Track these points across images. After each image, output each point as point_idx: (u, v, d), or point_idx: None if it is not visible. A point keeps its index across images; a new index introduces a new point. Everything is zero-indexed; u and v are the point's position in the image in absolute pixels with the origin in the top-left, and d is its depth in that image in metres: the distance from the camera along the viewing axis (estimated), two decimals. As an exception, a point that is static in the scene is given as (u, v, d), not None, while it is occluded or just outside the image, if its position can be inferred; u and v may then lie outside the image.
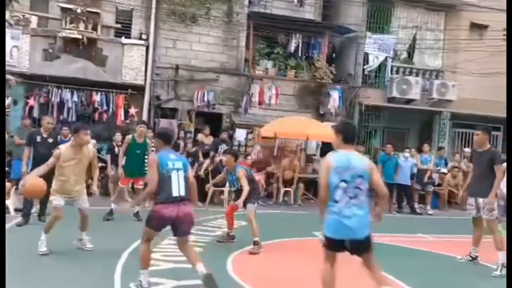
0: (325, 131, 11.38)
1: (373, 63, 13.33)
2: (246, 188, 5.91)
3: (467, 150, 12.68)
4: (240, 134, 11.80)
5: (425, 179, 10.86)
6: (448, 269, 5.87)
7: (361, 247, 3.57)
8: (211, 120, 12.07)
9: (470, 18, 13.94)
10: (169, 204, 4.04)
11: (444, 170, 11.41)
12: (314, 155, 12.53)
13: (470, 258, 6.00)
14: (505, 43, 13.43)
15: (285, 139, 11.72)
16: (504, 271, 5.27)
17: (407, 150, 10.76)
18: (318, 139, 11.83)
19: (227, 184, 7.93)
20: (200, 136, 11.05)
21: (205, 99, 11.84)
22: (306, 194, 11.25)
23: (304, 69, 13.10)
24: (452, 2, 13.78)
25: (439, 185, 11.41)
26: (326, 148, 11.23)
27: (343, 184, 3.46)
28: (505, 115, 14.13)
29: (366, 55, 13.32)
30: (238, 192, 6.23)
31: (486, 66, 12.96)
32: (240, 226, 7.14)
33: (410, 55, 14.30)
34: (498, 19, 13.76)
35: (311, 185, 11.63)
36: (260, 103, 12.24)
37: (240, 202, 5.90)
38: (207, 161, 9.94)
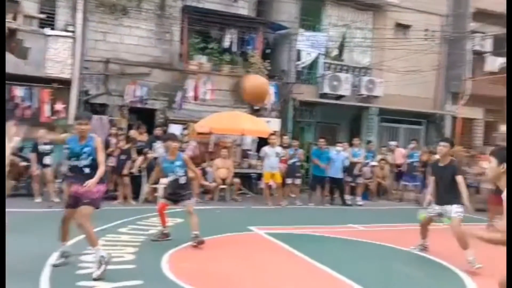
0: (261, 126, 11.54)
1: (306, 59, 13.68)
2: (197, 171, 6.20)
3: (393, 143, 13.44)
4: (175, 130, 11.56)
5: (356, 172, 11.34)
6: (378, 256, 6.19)
7: None
8: (144, 116, 11.73)
9: (395, 18, 14.74)
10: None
11: (373, 162, 11.99)
12: (250, 150, 12.62)
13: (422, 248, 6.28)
14: (426, 42, 14.43)
15: (221, 135, 11.68)
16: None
17: (339, 144, 11.16)
18: (254, 134, 11.91)
19: (160, 181, 7.72)
20: (133, 133, 10.70)
21: (138, 94, 11.47)
22: (241, 189, 11.31)
23: (239, 65, 13.12)
24: (378, 2, 14.47)
25: (368, 177, 11.97)
26: (262, 143, 11.38)
27: None
28: (427, 110, 15.21)
29: (299, 52, 13.62)
30: (175, 182, 6.11)
31: (410, 64, 13.81)
32: (176, 223, 7.04)
33: (341, 52, 14.84)
34: (419, 19, 14.73)
35: (247, 180, 11.75)
36: (195, 98, 12.09)
37: (203, 182, 6.95)
38: (140, 158, 9.65)
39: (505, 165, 2.88)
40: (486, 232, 2.80)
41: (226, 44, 13.02)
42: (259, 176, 11.26)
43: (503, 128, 12.86)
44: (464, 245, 5.45)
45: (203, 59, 12.79)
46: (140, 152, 9.83)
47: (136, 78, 11.73)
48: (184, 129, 11.78)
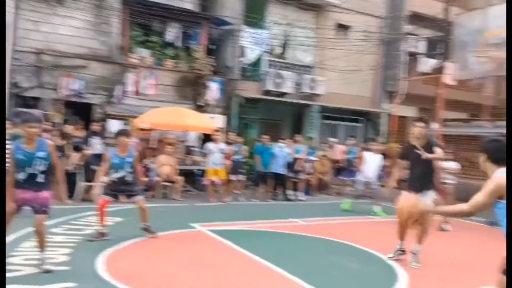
0: (205, 122, 11.43)
1: (250, 56, 13.72)
2: (140, 168, 5.96)
3: (333, 139, 13.86)
4: (114, 126, 11.15)
5: (298, 168, 11.55)
6: (317, 249, 6.35)
7: None
8: (81, 111, 11.21)
9: (336, 19, 15.16)
10: None
11: (312, 157, 12.27)
12: (194, 146, 12.47)
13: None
14: (364, 43, 14.98)
15: (163, 131, 11.44)
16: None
17: (282, 140, 11.31)
18: (198, 130, 11.79)
19: (101, 178, 7.43)
20: (68, 128, 10.18)
21: (73, 87, 10.93)
22: (185, 187, 11.14)
23: (182, 60, 12.91)
24: (320, 2, 14.81)
25: (310, 173, 12.25)
26: (206, 139, 11.27)
27: None
28: (365, 108, 15.82)
29: (243, 49, 13.63)
30: (121, 179, 6.03)
31: (350, 63, 14.27)
32: (115, 222, 6.81)
33: (284, 50, 15.03)
34: (358, 20, 15.25)
35: (191, 177, 11.60)
36: (136, 93, 11.72)
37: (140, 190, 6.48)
38: (76, 155, 9.20)
39: (486, 155, 3.00)
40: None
41: (169, 38, 12.76)
42: (203, 172, 11.15)
43: (434, 125, 13.64)
44: (421, 239, 5.40)
45: (144, 52, 12.44)
46: (76, 148, 9.38)
47: (71, 70, 11.18)
48: (124, 124, 11.39)
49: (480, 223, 8.72)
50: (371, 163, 9.68)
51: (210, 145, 10.34)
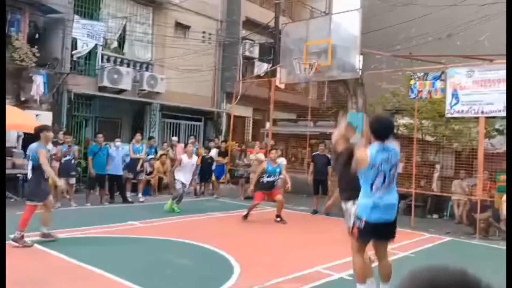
0: (27, 120, 10.17)
1: (82, 49, 12.72)
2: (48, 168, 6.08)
3: (175, 138, 13.82)
4: None
5: (138, 168, 11.17)
6: (154, 250, 6.23)
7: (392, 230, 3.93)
8: None
9: (175, 17, 15.13)
10: None
11: (151, 156, 12.02)
12: (15, 147, 10.99)
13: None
14: (203, 44, 15.27)
15: (-26, 130, 9.79)
16: None
17: (118, 139, 10.80)
18: (18, 129, 10.42)
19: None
20: None
21: None
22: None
23: (-1, 48, 11.24)
24: (158, -1, 14.60)
25: (150, 173, 11.99)
26: (29, 139, 10.03)
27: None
28: (205, 108, 16.17)
29: (74, 40, 12.56)
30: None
31: (190, 62, 14.40)
32: None
33: (121, 45, 14.37)
34: (198, 21, 15.52)
35: (10, 182, 10.21)
36: None
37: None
38: None
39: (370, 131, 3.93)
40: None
41: (-20, 22, 10.97)
42: (26, 176, 9.90)
43: (267, 125, 14.72)
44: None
45: None
46: None
47: None
48: None
49: (306, 212, 9.74)
50: (187, 165, 9.75)
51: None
